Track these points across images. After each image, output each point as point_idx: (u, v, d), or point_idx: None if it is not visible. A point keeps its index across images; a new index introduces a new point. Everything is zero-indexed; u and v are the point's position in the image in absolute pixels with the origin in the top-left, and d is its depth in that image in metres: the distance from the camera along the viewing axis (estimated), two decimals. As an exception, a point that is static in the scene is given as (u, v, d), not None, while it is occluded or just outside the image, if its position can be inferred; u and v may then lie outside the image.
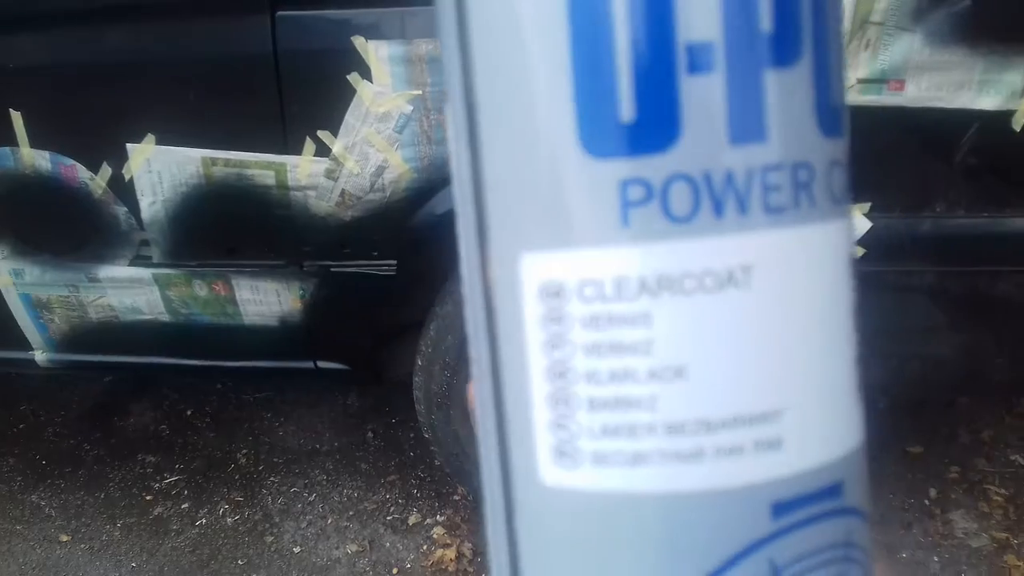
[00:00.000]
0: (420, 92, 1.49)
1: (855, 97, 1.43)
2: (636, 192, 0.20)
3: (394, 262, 1.68)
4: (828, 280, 0.22)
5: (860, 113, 1.43)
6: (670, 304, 0.21)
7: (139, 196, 1.64)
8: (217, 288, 1.74)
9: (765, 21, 0.20)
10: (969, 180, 1.50)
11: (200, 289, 1.74)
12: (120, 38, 1.54)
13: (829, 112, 0.22)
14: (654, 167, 0.20)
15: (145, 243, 1.69)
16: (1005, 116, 1.42)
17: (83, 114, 1.60)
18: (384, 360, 1.93)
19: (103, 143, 1.60)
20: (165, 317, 1.79)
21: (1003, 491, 2.06)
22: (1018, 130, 1.42)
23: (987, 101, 1.41)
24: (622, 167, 0.20)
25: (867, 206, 1.51)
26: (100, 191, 1.64)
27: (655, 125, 0.20)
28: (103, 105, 1.58)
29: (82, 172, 1.63)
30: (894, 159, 1.50)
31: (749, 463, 0.21)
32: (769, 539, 0.21)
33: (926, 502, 2.04)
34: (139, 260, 1.72)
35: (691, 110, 0.20)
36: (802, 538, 0.22)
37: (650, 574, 0.21)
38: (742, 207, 0.21)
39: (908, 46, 1.38)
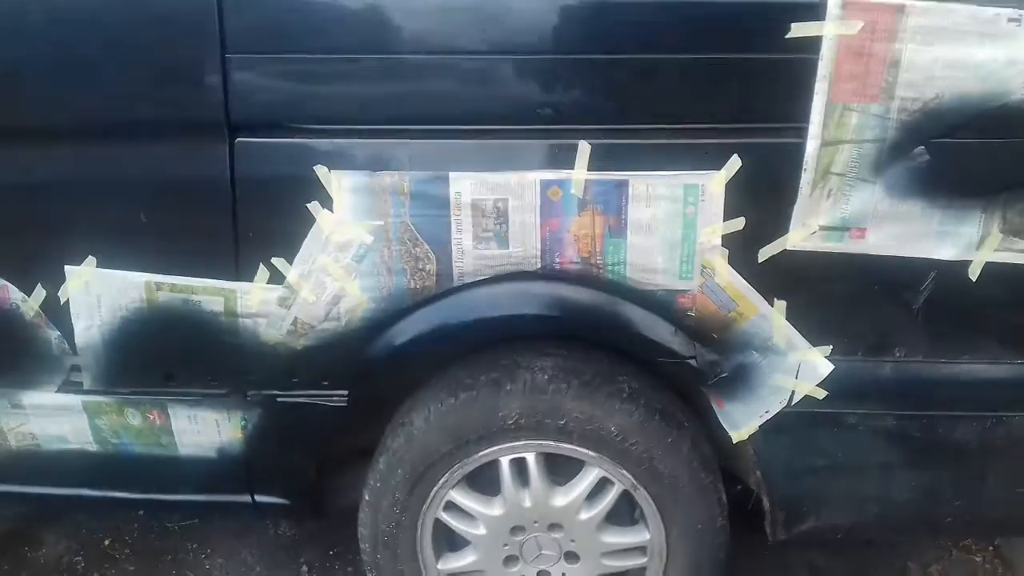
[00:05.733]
0: (382, 223, 1.45)
1: (818, 243, 1.44)
2: None
3: (345, 392, 1.60)
4: None
5: (822, 259, 1.45)
6: None
7: (74, 319, 1.54)
8: (152, 417, 1.63)
9: None
10: (928, 326, 1.51)
11: (133, 418, 1.63)
12: (67, 157, 1.46)
13: None
14: None
15: (76, 368, 1.59)
16: (962, 266, 1.44)
17: (20, 234, 1.51)
18: (325, 491, 1.83)
19: (39, 264, 1.51)
20: (92, 447, 1.67)
21: (959, 631, 2.04)
22: (974, 280, 1.45)
23: (945, 251, 1.44)
24: None
25: (828, 348, 1.51)
26: (32, 313, 1.54)
27: None
28: (42, 226, 1.50)
29: (14, 293, 1.53)
30: (855, 304, 1.51)
31: None
32: None
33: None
34: (68, 386, 1.61)
35: None
36: None
37: None
38: None
39: (869, 196, 1.41)
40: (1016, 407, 1.57)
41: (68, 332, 1.55)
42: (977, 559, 2.26)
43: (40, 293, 1.52)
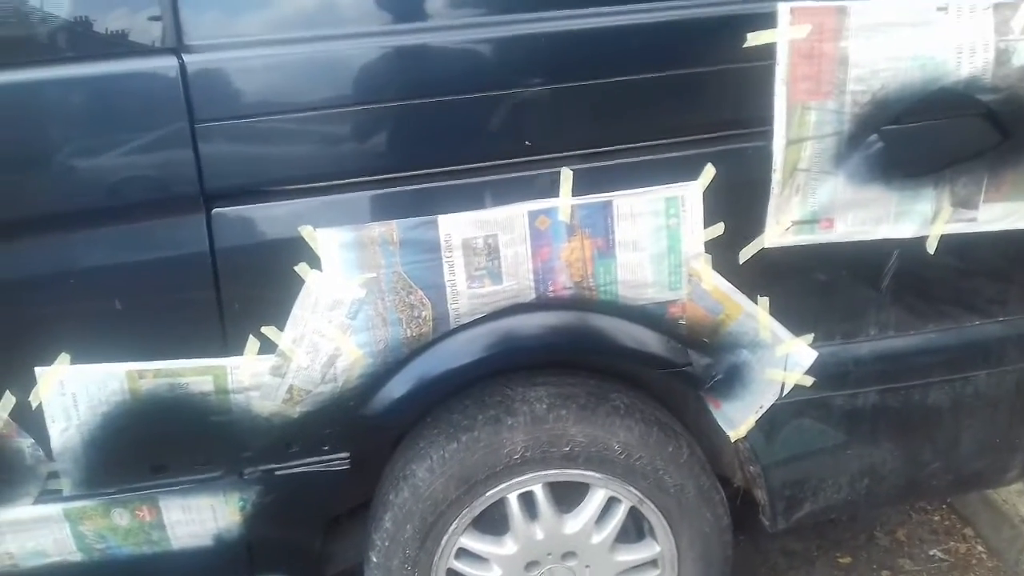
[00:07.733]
0: (375, 275, 1.42)
1: (791, 238, 1.51)
2: None
3: (347, 454, 1.55)
4: None
5: (797, 252, 1.52)
6: None
7: (49, 423, 1.43)
8: (141, 513, 1.53)
9: None
10: (895, 302, 1.61)
11: (120, 518, 1.52)
12: (30, 250, 1.35)
13: None
14: None
15: (54, 475, 1.47)
16: (920, 242, 1.55)
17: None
18: (324, 558, 1.76)
19: (6, 370, 1.39)
20: (76, 556, 1.54)
21: (935, 587, 2.15)
22: (932, 252, 1.55)
23: (905, 230, 1.54)
24: None
25: (811, 337, 1.58)
26: (1, 424, 1.42)
27: None
28: (6, 327, 1.39)
29: (-23, 405, 1.41)
30: (830, 291, 1.59)
31: None
32: None
33: (869, 612, 2.09)
34: (46, 495, 1.48)
35: None
36: None
37: None
38: None
39: (833, 188, 1.49)
40: (979, 366, 1.68)
41: (43, 438, 1.44)
42: (935, 518, 2.40)
43: (9, 400, 1.40)
